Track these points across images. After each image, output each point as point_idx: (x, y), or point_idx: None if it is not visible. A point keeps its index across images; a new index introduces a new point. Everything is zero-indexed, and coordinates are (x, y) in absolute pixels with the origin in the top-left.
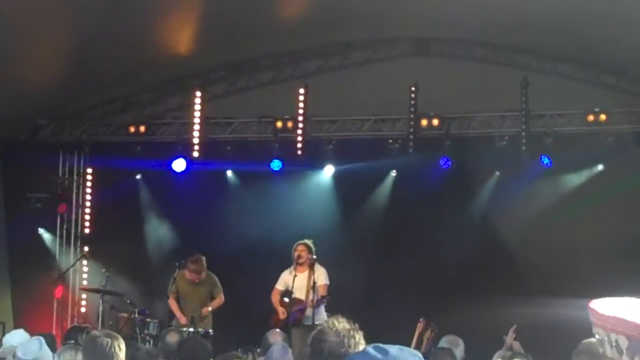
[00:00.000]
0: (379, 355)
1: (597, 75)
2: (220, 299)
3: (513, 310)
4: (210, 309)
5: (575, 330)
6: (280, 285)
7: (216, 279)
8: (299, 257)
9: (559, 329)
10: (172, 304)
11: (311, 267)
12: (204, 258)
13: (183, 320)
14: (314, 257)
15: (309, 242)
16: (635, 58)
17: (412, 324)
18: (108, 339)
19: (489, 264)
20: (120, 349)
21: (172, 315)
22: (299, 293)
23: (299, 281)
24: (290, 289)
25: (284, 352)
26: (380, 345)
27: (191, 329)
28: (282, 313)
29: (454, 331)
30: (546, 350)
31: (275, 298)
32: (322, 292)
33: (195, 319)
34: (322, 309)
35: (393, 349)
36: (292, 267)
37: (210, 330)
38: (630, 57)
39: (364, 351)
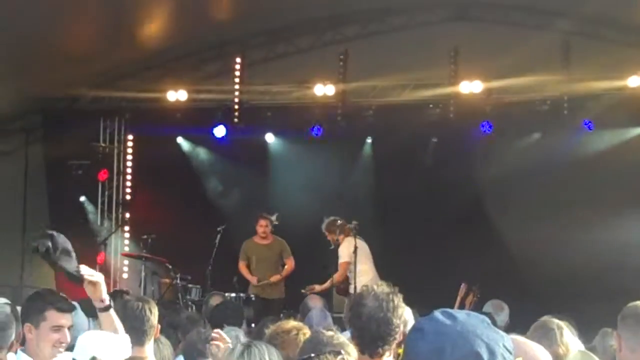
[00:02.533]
0: (447, 321)
1: (638, 39)
2: (290, 264)
3: (557, 272)
4: (281, 275)
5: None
6: None
7: (285, 243)
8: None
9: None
10: (242, 268)
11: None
12: (268, 221)
13: (254, 280)
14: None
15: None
16: None
17: (454, 288)
18: (139, 302)
19: (531, 227)
20: (151, 312)
21: (218, 281)
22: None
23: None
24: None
25: (323, 317)
26: (448, 310)
27: (233, 294)
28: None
29: (499, 296)
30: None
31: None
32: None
33: (265, 283)
34: None
35: (460, 314)
36: None
37: (253, 296)
38: None
39: (430, 316)
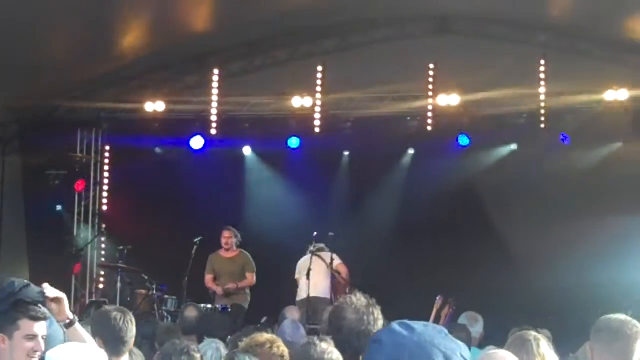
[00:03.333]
0: (404, 332)
1: (615, 53)
2: (250, 278)
3: (535, 285)
4: (237, 286)
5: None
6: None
7: (249, 257)
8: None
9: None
10: (209, 281)
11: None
12: (231, 232)
13: (219, 290)
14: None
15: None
16: None
17: (430, 300)
18: (119, 313)
19: (507, 239)
20: (131, 323)
21: (193, 292)
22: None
23: None
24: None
25: (295, 328)
26: (406, 321)
27: (209, 305)
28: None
29: (474, 308)
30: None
31: None
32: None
33: (230, 293)
34: None
35: (418, 326)
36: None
37: (229, 307)
38: None
39: (388, 327)
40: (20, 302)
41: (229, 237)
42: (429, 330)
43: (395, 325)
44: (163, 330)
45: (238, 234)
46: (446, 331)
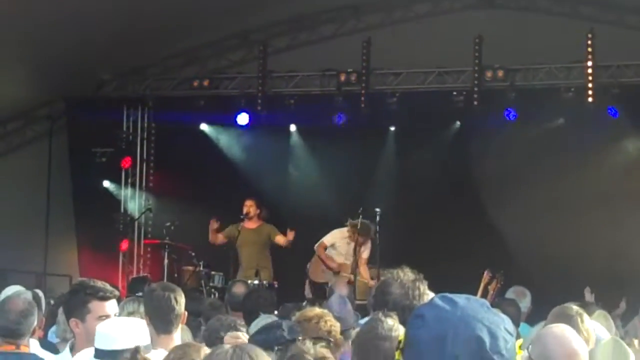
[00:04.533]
0: (447, 306)
1: None
2: (289, 236)
3: (582, 261)
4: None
5: None
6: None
7: (274, 227)
8: None
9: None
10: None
11: None
12: (254, 202)
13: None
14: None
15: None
16: None
17: (478, 275)
18: (166, 292)
19: (556, 215)
20: (177, 301)
21: (237, 269)
22: None
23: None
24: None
25: (342, 303)
26: (448, 295)
27: (256, 281)
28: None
29: (522, 283)
30: None
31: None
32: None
33: (259, 272)
34: None
35: (461, 299)
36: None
37: (275, 283)
38: None
39: (430, 302)
40: (86, 283)
41: (250, 206)
42: (472, 304)
43: (437, 299)
44: (209, 307)
45: (261, 204)
46: (488, 304)
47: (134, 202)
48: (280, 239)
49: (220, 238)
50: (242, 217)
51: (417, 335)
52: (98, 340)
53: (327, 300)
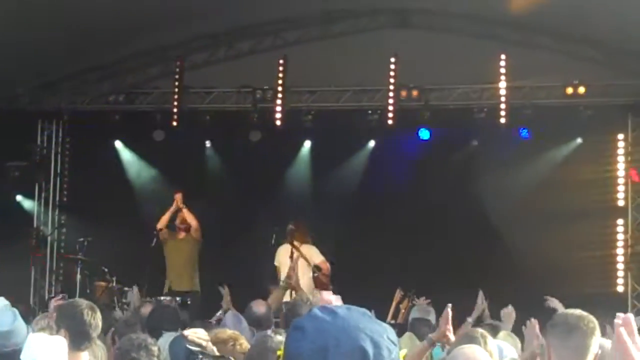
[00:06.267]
0: (327, 317)
1: (575, 48)
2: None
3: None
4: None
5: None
6: None
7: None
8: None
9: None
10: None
11: None
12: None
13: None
14: None
15: None
16: (612, 30)
17: (390, 292)
18: (89, 310)
19: (466, 233)
20: (99, 319)
21: (154, 285)
22: None
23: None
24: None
25: (237, 322)
26: (328, 306)
27: (168, 298)
28: None
29: (434, 301)
30: None
31: None
32: None
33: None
34: None
35: (341, 309)
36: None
37: (188, 300)
38: (608, 29)
39: (309, 314)
40: None
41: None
42: (353, 313)
43: (316, 310)
44: (123, 324)
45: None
46: (370, 313)
47: (47, 217)
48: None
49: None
50: (155, 232)
51: (298, 348)
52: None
53: (253, 319)
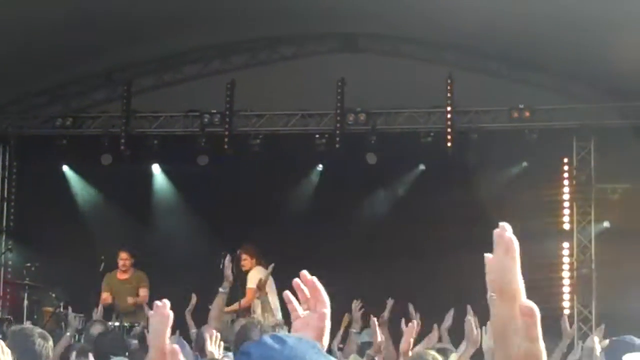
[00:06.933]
0: (275, 345)
1: (521, 72)
2: (143, 294)
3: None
4: (133, 301)
5: None
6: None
7: (144, 275)
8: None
9: None
10: (106, 297)
11: None
12: (128, 254)
13: (108, 300)
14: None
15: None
16: (558, 54)
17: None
18: (41, 339)
19: (413, 256)
20: (51, 349)
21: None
22: None
23: None
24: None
25: (182, 346)
26: (279, 334)
27: (117, 323)
28: None
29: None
30: None
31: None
32: None
33: (120, 316)
34: None
35: (291, 339)
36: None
37: (137, 325)
38: (554, 53)
39: (259, 340)
40: None
41: (125, 259)
42: (302, 345)
43: (266, 337)
44: (78, 351)
45: (135, 253)
46: (319, 346)
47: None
48: (140, 296)
49: (109, 299)
50: (103, 257)
51: None
52: None
53: (201, 345)
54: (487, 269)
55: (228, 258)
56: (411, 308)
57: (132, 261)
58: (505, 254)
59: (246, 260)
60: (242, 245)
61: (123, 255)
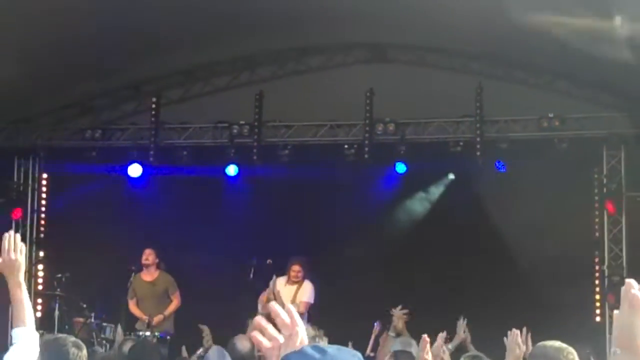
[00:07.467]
0: (316, 355)
1: (550, 81)
2: (176, 300)
3: (474, 310)
4: (166, 314)
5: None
6: None
7: (171, 278)
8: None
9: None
10: (132, 307)
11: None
12: (153, 251)
13: (145, 318)
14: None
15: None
16: (586, 64)
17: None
18: (75, 348)
19: (445, 266)
20: (85, 357)
21: (133, 319)
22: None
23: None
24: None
25: (221, 356)
26: (319, 344)
27: (147, 333)
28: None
29: (413, 332)
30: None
31: None
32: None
33: (151, 323)
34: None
35: (331, 349)
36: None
37: (167, 335)
38: (583, 62)
39: (300, 350)
40: None
41: (149, 254)
42: (343, 354)
43: (307, 347)
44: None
45: (159, 255)
46: (360, 355)
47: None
48: (170, 307)
49: (143, 316)
50: (133, 268)
51: None
52: None
53: (235, 357)
54: (614, 325)
55: (273, 279)
56: (461, 320)
57: (156, 260)
58: (630, 310)
59: (300, 273)
60: (294, 258)
61: (147, 251)
